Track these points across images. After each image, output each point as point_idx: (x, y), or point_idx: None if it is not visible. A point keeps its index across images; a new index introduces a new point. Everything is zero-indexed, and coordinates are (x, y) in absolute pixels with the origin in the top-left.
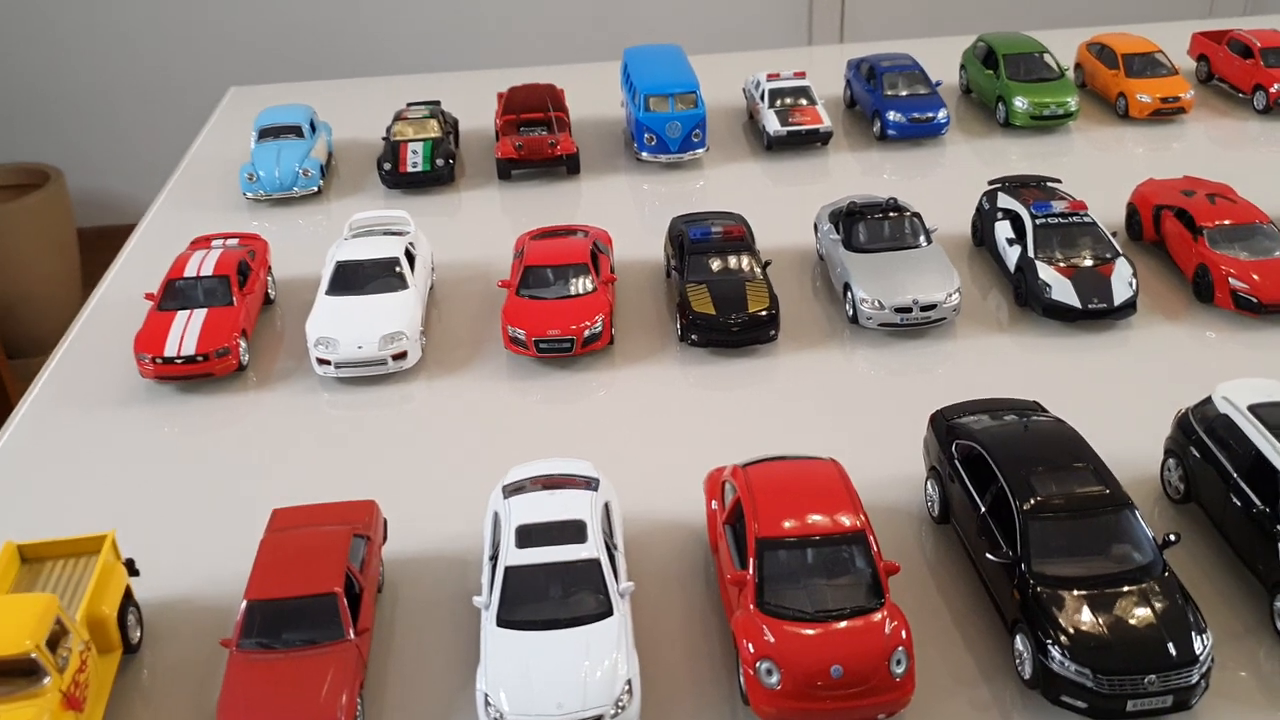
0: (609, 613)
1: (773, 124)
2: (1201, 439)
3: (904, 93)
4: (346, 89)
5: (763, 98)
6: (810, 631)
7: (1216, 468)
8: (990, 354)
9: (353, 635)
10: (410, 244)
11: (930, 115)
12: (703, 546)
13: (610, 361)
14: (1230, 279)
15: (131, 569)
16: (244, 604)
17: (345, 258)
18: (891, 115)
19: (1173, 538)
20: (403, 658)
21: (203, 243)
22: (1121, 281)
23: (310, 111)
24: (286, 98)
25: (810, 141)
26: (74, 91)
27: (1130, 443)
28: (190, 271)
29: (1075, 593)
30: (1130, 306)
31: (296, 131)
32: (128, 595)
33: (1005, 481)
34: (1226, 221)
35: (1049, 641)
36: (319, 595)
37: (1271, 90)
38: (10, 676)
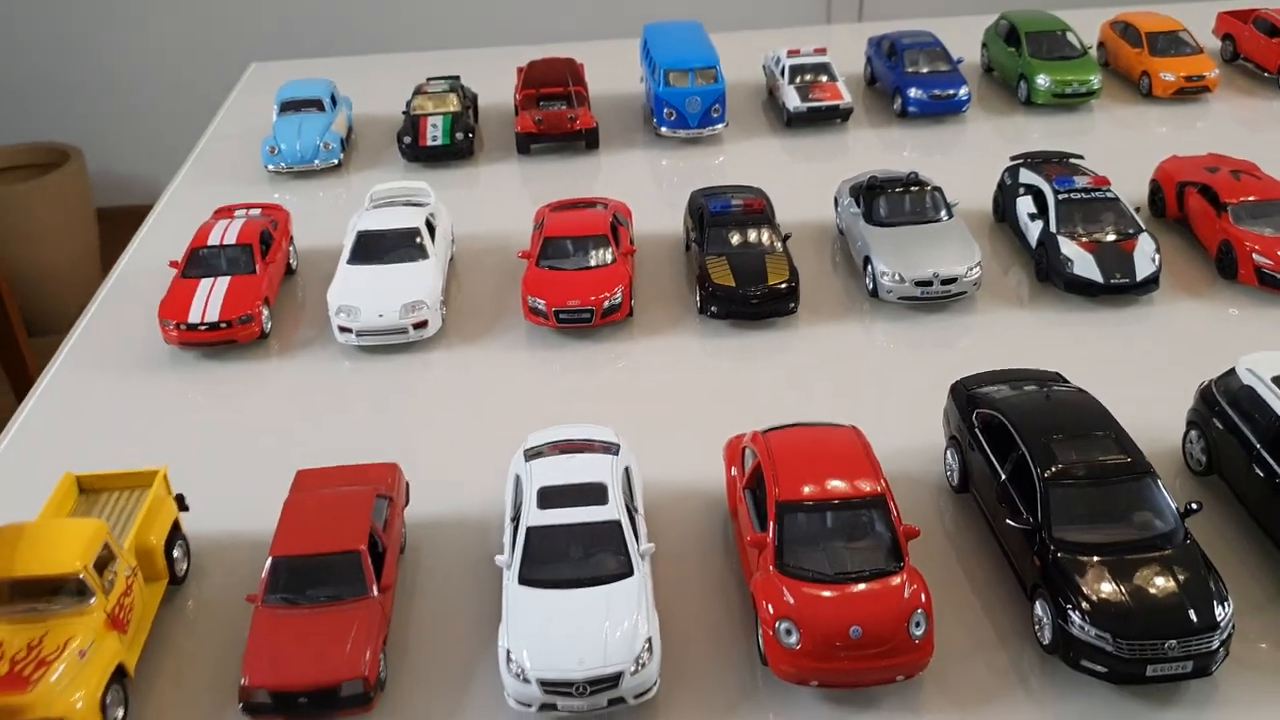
0: (630, 573)
1: (793, 100)
2: (1224, 410)
3: (925, 70)
4: (367, 64)
5: (783, 74)
6: (829, 593)
7: (1239, 439)
8: (1011, 328)
9: (376, 592)
10: (431, 215)
11: (951, 92)
12: (721, 512)
13: (629, 333)
14: (1255, 255)
15: (181, 504)
16: (269, 561)
17: (366, 227)
18: (912, 92)
19: (1194, 506)
20: (425, 616)
21: (226, 212)
22: (1144, 257)
23: (331, 86)
24: (307, 73)
25: (830, 117)
26: (93, 73)
27: (1152, 416)
28: (214, 240)
29: (1096, 559)
30: (1153, 282)
31: (317, 105)
32: (176, 528)
33: (1027, 449)
34: (1251, 198)
35: (1069, 607)
36: (344, 552)
37: None
38: (60, 595)
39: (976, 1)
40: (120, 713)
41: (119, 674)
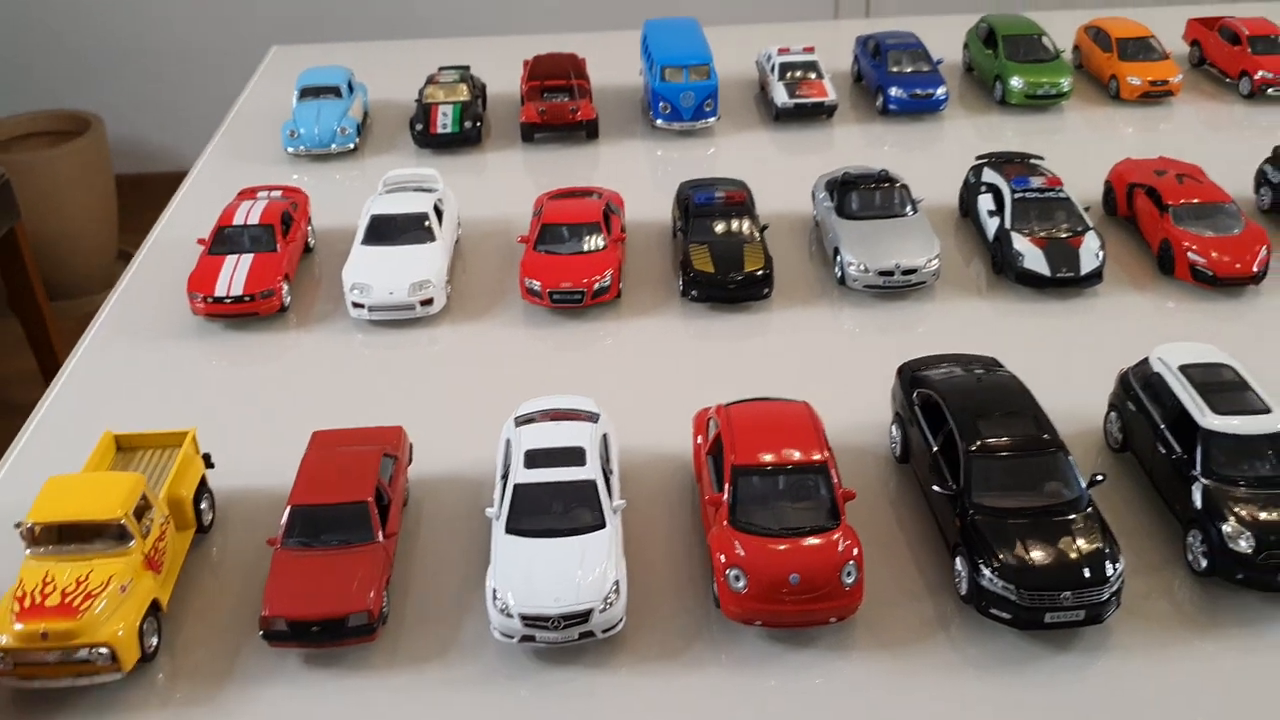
0: (603, 525)
1: (780, 96)
2: (1138, 394)
3: (907, 69)
4: (381, 50)
5: (773, 70)
6: (774, 546)
7: (1148, 420)
8: (966, 316)
9: (381, 538)
10: (439, 200)
11: (930, 91)
12: (688, 475)
13: (617, 313)
14: (1190, 253)
15: (208, 462)
16: (288, 509)
17: (379, 211)
18: (893, 90)
19: (1099, 478)
20: (424, 560)
21: (249, 194)
22: (1089, 253)
23: (348, 73)
24: (326, 58)
25: (816, 114)
26: (115, 44)
27: (1083, 397)
28: (238, 220)
29: (1007, 521)
30: (1096, 276)
31: (335, 92)
32: (203, 483)
33: (955, 424)
34: (1193, 200)
35: (981, 562)
36: (353, 503)
37: (1256, 76)
38: (104, 538)
39: (984, 1)
40: (155, 641)
41: (154, 608)
